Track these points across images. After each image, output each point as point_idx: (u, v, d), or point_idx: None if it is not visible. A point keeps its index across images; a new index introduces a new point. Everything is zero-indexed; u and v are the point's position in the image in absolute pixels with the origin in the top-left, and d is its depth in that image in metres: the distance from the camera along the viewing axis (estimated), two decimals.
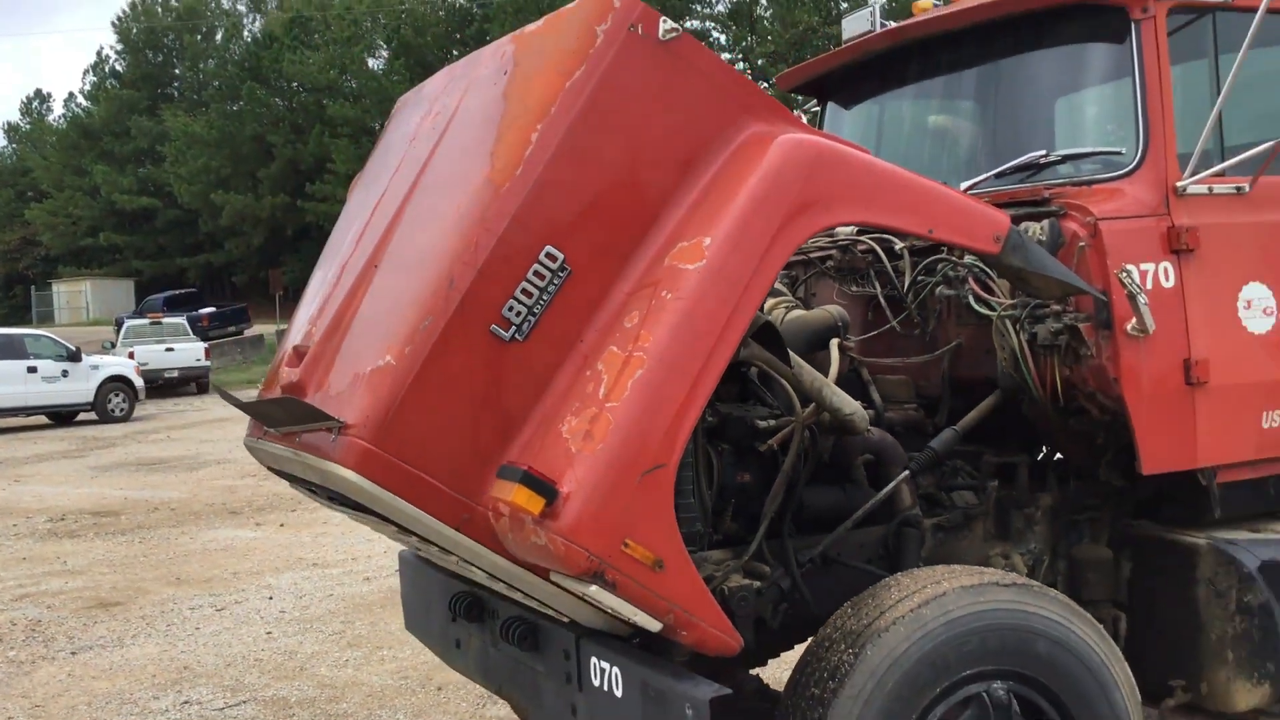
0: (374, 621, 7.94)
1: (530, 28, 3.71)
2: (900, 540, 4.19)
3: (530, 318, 3.26)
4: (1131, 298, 3.85)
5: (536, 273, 3.26)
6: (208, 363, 32.31)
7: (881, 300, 4.58)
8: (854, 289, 4.78)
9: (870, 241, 4.59)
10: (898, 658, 3.38)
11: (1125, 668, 3.73)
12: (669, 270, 3.26)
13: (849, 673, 3.37)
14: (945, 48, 4.76)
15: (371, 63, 51.30)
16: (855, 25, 5.19)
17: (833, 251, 4.79)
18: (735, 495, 4.01)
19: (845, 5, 42.36)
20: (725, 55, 50.51)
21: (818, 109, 5.61)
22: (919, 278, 4.41)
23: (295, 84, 53.38)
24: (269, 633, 7.84)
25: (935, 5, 4.98)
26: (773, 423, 4.05)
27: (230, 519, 12.56)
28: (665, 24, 3.36)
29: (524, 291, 3.25)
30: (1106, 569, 4.45)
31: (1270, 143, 4.02)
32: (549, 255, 3.26)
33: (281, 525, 11.94)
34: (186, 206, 56.46)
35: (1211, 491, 4.17)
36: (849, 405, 4.04)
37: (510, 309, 3.24)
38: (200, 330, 37.30)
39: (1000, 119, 4.70)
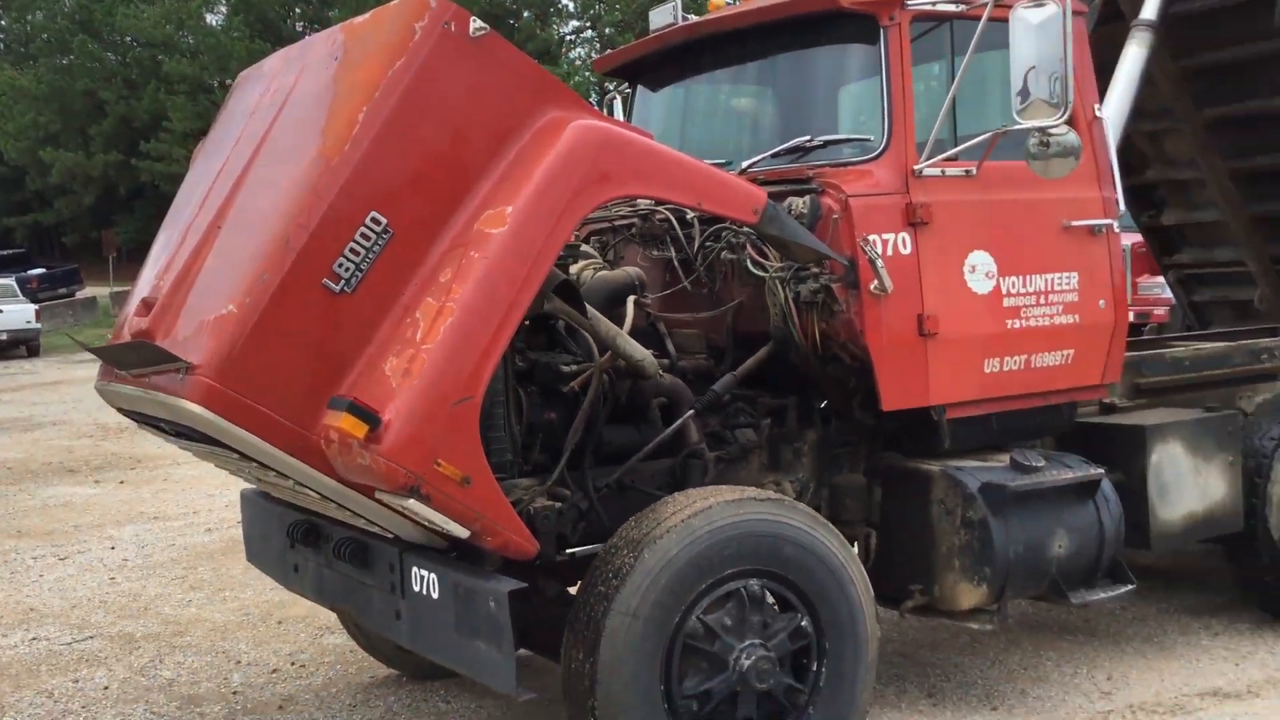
0: (216, 567, 8.33)
1: (358, 20, 4.23)
2: (686, 470, 4.86)
3: (358, 273, 3.81)
4: (871, 262, 4.60)
5: (363, 234, 3.80)
6: (38, 325, 31.38)
7: (675, 263, 5.24)
8: (654, 253, 5.43)
9: (666, 212, 5.24)
10: (670, 559, 4.06)
11: (860, 568, 4.50)
12: (477, 234, 3.85)
13: (629, 572, 4.03)
14: (732, 43, 5.43)
15: (210, 19, 49.90)
16: (661, 18, 5.83)
17: (635, 220, 5.42)
18: (543, 431, 4.63)
19: None
20: (574, 22, 50.79)
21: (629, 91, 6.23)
22: (707, 244, 5.08)
23: (129, 39, 51.60)
24: (113, 578, 8.17)
25: (727, 4, 5.64)
26: (575, 368, 4.68)
27: (69, 477, 12.65)
28: (475, 23, 3.93)
29: (352, 250, 3.79)
30: (861, 494, 5.24)
31: (989, 133, 4.79)
32: (374, 220, 3.81)
33: (121, 482, 12.10)
34: (12, 163, 54.12)
35: (942, 426, 4.97)
36: (640, 353, 4.69)
37: (340, 265, 3.78)
38: (29, 292, 36.07)
39: (777, 107, 5.42)
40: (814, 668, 4.36)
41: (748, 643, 4.18)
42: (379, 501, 3.88)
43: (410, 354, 3.70)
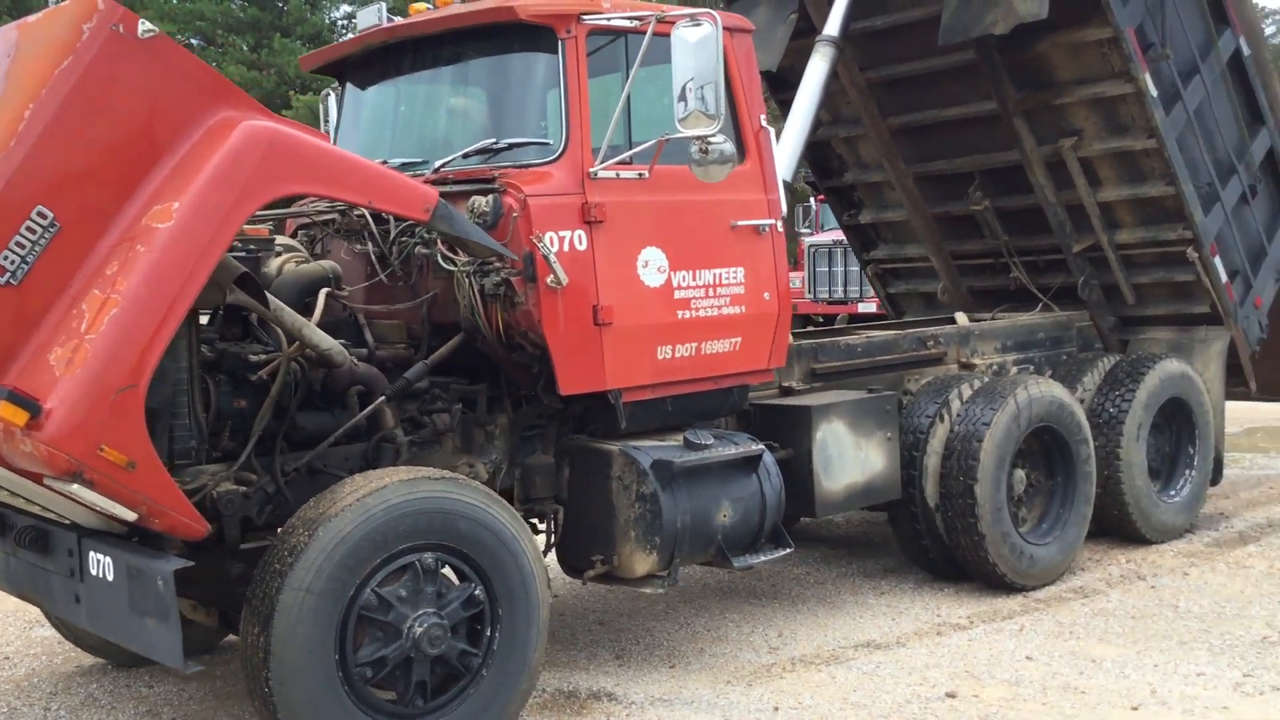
0: None
1: (32, 18, 4.31)
2: (378, 453, 5.12)
3: (23, 266, 3.90)
4: (545, 258, 4.97)
5: (29, 228, 3.90)
6: None
7: (373, 257, 5.48)
8: (357, 247, 5.65)
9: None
10: (345, 536, 4.32)
11: (532, 540, 4.87)
12: (145, 229, 4.00)
13: (304, 550, 4.27)
14: (426, 47, 5.71)
15: None
16: (367, 18, 6.04)
17: (335, 215, 5.63)
18: (232, 418, 4.80)
19: None
20: (345, 7, 49.63)
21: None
22: (402, 239, 5.34)
23: None
24: None
25: (428, 8, 5.89)
26: (264, 357, 4.87)
27: None
28: (143, 25, 4.08)
29: (17, 244, 3.89)
30: (549, 473, 5.62)
31: (655, 140, 5.24)
32: (40, 214, 3.91)
33: None
34: None
35: (618, 408, 5.39)
36: (327, 342, 4.92)
37: (5, 258, 3.87)
38: None
39: (468, 110, 5.73)
40: (488, 633, 4.70)
41: (421, 612, 4.48)
42: (49, 488, 3.98)
43: (74, 344, 3.83)
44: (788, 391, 6.70)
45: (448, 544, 4.58)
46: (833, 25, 7.67)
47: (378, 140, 6.03)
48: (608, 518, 5.43)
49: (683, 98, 4.99)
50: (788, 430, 6.28)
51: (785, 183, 7.30)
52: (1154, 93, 7.48)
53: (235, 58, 37.75)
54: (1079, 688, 5.33)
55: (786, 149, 7.41)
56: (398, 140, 5.98)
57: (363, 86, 6.19)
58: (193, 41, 40.75)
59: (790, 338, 6.89)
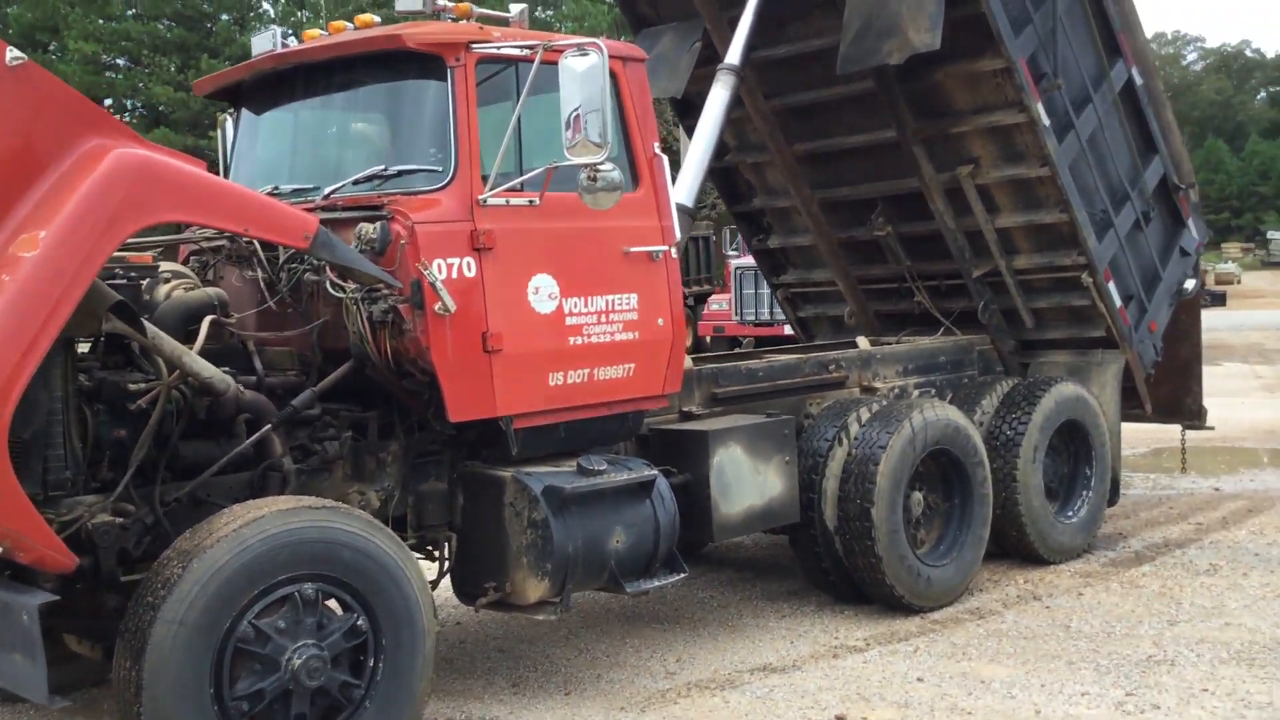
0: None
1: None
2: (264, 482, 5.07)
3: None
4: (432, 285, 4.97)
5: None
6: None
7: (262, 284, 5.43)
8: (247, 274, 5.60)
9: None
10: (219, 568, 4.26)
11: (418, 568, 4.84)
12: (10, 258, 3.94)
13: (177, 582, 4.21)
14: (318, 74, 5.69)
15: None
16: (262, 44, 6.01)
17: (224, 242, 5.58)
18: (111, 448, 4.72)
19: None
20: (274, 28, 49.30)
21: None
22: (291, 265, 5.31)
23: None
24: None
25: (322, 35, 5.88)
26: (143, 386, 4.80)
27: None
28: (11, 53, 4.02)
29: None
30: (443, 500, 5.60)
31: (543, 168, 5.27)
32: None
33: None
34: None
35: (510, 435, 5.39)
36: (207, 370, 4.86)
37: None
38: None
39: (360, 136, 5.72)
40: (371, 663, 4.66)
41: (300, 643, 4.43)
42: None
43: None
44: (688, 416, 6.73)
45: (329, 574, 4.54)
46: (733, 54, 7.76)
47: (272, 166, 5.99)
48: (500, 544, 5.42)
49: (571, 126, 5.03)
50: (685, 455, 6.31)
51: (687, 209, 7.39)
52: (1046, 122, 7.66)
53: (162, 78, 37.29)
54: (966, 709, 5.40)
55: (688, 175, 7.48)
56: (291, 166, 5.95)
57: (258, 112, 6.15)
58: (119, 61, 40.24)
59: (690, 362, 6.98)
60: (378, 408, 5.50)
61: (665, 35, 8.69)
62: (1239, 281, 57.91)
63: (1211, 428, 9.52)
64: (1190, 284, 8.87)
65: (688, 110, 8.91)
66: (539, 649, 6.53)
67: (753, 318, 22.44)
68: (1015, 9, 7.53)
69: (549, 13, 49.71)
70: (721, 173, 9.61)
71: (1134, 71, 8.47)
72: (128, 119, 39.68)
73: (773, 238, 9.76)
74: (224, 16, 45.47)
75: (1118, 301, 8.25)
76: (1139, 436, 12.43)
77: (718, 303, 25.28)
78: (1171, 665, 5.83)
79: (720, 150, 9.38)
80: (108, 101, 39.94)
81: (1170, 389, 9.18)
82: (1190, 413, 9.26)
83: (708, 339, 24.72)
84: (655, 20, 8.91)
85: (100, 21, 37.89)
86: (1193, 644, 6.13)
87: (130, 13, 38.90)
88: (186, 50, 38.38)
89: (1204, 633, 6.32)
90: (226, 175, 6.16)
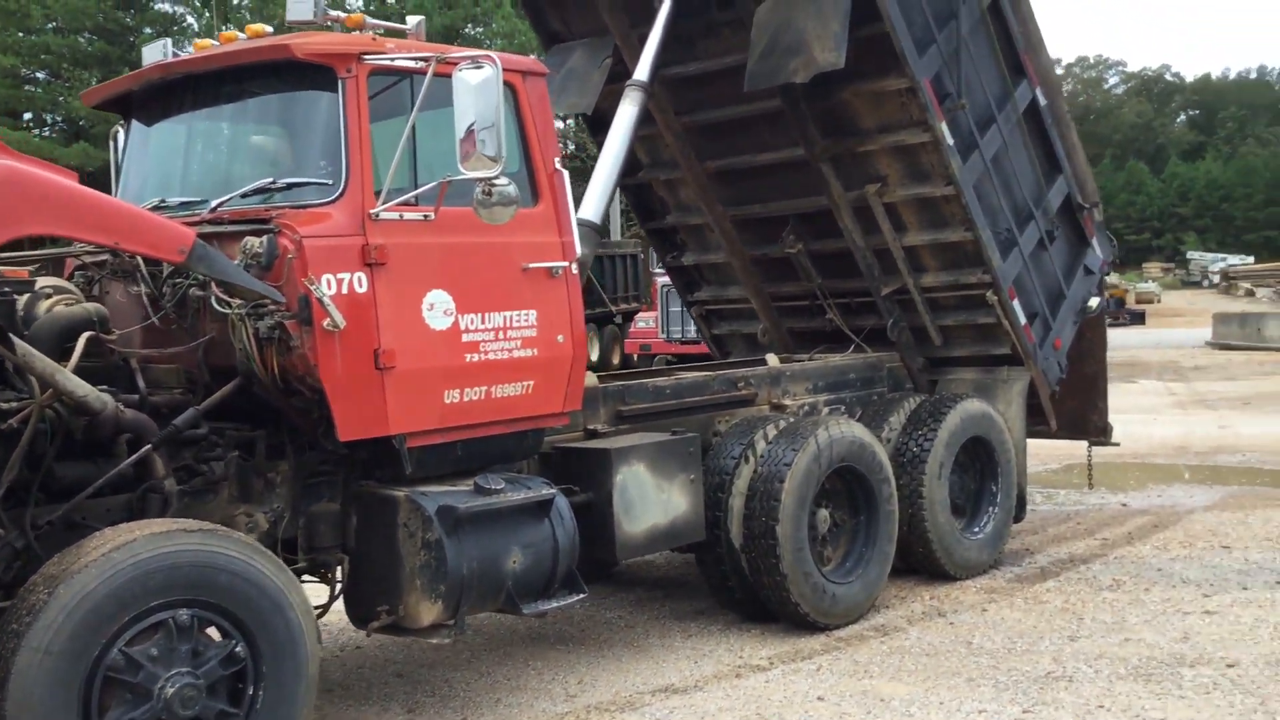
0: None
1: None
2: (144, 504, 4.90)
3: None
4: (320, 301, 4.85)
5: None
6: None
7: (145, 299, 5.27)
8: (132, 289, 5.43)
9: None
10: (88, 593, 4.10)
11: (301, 593, 4.71)
12: None
13: (43, 608, 4.05)
14: (207, 85, 5.55)
15: None
16: (152, 54, 5.86)
17: (107, 256, 5.41)
18: None
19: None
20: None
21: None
22: (175, 280, 5.16)
23: None
24: None
25: (214, 45, 5.74)
26: (14, 405, 4.62)
27: None
28: None
29: None
30: (335, 521, 5.47)
31: (436, 182, 5.18)
32: None
33: None
34: None
35: (403, 453, 5.27)
36: (82, 389, 4.69)
37: None
38: None
39: (249, 148, 5.59)
40: (251, 691, 4.51)
41: (174, 671, 4.28)
42: None
43: None
44: (593, 434, 6.67)
45: (205, 599, 4.39)
46: (642, 70, 7.74)
47: (161, 178, 5.84)
48: (394, 566, 5.30)
49: (465, 140, 4.95)
50: (588, 474, 6.24)
51: (595, 225, 7.34)
52: (950, 141, 7.73)
53: (82, 92, 36.59)
54: None
55: (595, 192, 7.42)
56: (180, 178, 5.80)
57: (147, 123, 5.99)
58: (38, 75, 39.42)
59: (595, 379, 6.92)
60: (267, 426, 5.36)
61: (576, 51, 8.66)
62: (1159, 300, 59.27)
63: (1117, 444, 9.65)
64: (1094, 302, 9.00)
65: (599, 126, 8.84)
66: (439, 673, 6.40)
67: (679, 335, 22.48)
68: (919, 29, 7.59)
69: (479, 30, 49.64)
70: (635, 189, 9.60)
71: (1038, 92, 8.59)
72: (47, 133, 38.88)
73: (686, 255, 9.74)
74: (147, 30, 44.80)
75: (1022, 319, 8.34)
76: (1050, 452, 12.59)
77: (645, 320, 25.32)
78: (1070, 682, 5.86)
79: (633, 167, 9.40)
80: (27, 115, 39.12)
81: (1076, 405, 9.29)
82: (1096, 429, 9.38)
83: (635, 356, 24.77)
84: (567, 36, 8.87)
85: (20, 34, 37.07)
86: (1092, 660, 6.17)
87: (50, 25, 38.13)
88: (108, 64, 37.65)
89: (1104, 648, 6.36)
90: (117, 187, 6.00)
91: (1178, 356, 28.46)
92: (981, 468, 8.27)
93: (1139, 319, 47.88)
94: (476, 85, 4.95)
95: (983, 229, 7.98)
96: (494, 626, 7.13)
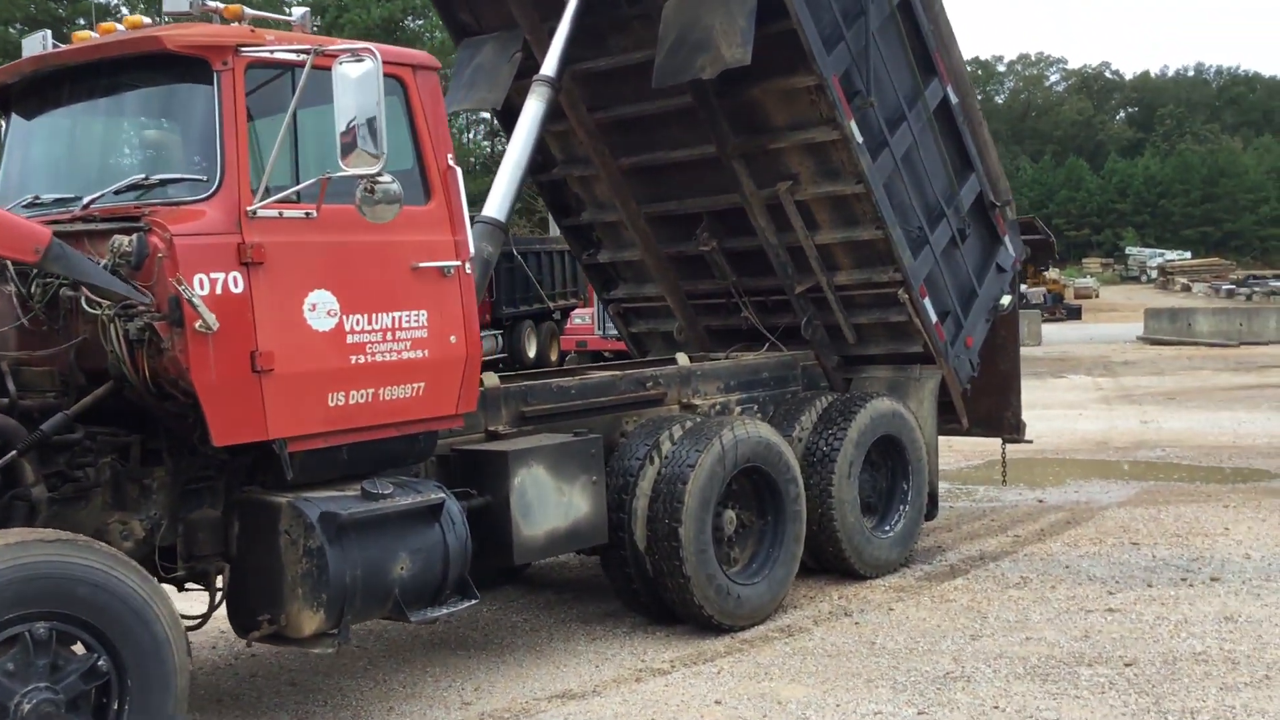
0: None
1: None
2: (9, 513, 4.73)
3: None
4: (189, 301, 4.69)
5: None
6: None
7: (14, 299, 5.08)
8: (4, 288, 5.23)
9: None
10: None
11: (168, 603, 4.56)
12: None
13: None
14: (87, 76, 5.36)
15: None
16: (31, 46, 5.66)
17: None
18: None
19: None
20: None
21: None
22: (45, 279, 4.97)
23: None
24: None
25: (93, 37, 5.55)
26: None
27: None
28: None
29: None
30: (216, 528, 5.31)
31: (315, 179, 5.04)
32: None
33: None
34: None
35: (284, 458, 5.13)
36: None
37: None
38: None
39: (123, 143, 5.41)
40: (115, 706, 4.37)
41: (31, 687, 4.13)
42: None
43: None
44: (494, 436, 6.56)
45: (65, 612, 4.24)
46: (549, 65, 7.62)
47: (38, 173, 5.64)
48: (275, 574, 5.15)
49: (345, 135, 4.82)
50: (486, 476, 6.13)
51: (498, 223, 7.22)
52: (859, 139, 7.70)
53: None
54: None
55: (499, 189, 7.30)
56: (56, 174, 5.60)
57: (26, 117, 5.79)
58: None
59: (496, 380, 6.81)
60: (144, 431, 5.19)
61: (487, 45, 8.53)
62: (1097, 295, 60.12)
63: (1030, 441, 9.69)
64: (1006, 300, 9.02)
65: (510, 121, 8.71)
66: (334, 680, 6.26)
67: (616, 332, 22.34)
68: (827, 26, 7.55)
69: (420, 22, 49.14)
70: (550, 186, 9.48)
71: (949, 90, 8.58)
72: None
73: (603, 252, 9.64)
74: (80, 21, 43.91)
75: (933, 317, 8.33)
76: (972, 449, 12.67)
77: (581, 316, 25.19)
78: (968, 682, 5.84)
79: (547, 163, 9.31)
80: None
81: (990, 403, 9.31)
82: (1010, 426, 9.41)
83: (572, 353, 24.63)
84: (477, 30, 8.73)
85: None
86: (991, 659, 6.16)
87: None
88: None
89: (1004, 647, 6.36)
90: None
91: (1109, 351, 28.85)
92: (893, 466, 8.25)
93: (1075, 314, 48.52)
94: (356, 79, 4.81)
95: (893, 227, 7.96)
96: (395, 631, 7.00)
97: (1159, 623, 6.67)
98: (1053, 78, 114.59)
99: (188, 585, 5.52)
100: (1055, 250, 58.02)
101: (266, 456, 5.23)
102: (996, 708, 5.49)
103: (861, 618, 7.05)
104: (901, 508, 8.22)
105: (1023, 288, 48.71)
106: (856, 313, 8.60)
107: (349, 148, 4.83)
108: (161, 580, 5.28)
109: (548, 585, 8.16)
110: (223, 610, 5.41)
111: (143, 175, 5.08)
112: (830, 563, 7.81)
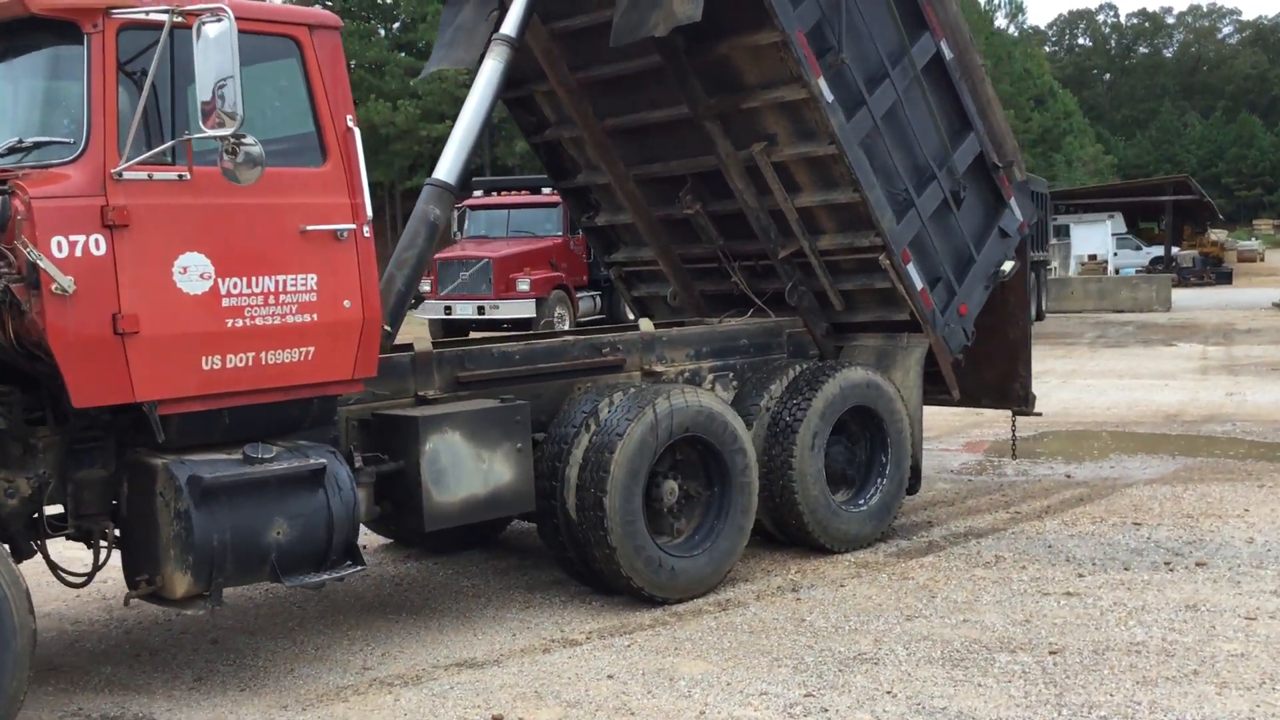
0: None
1: None
2: None
3: None
4: (36, 264, 4.74)
5: None
6: None
7: None
8: None
9: None
10: None
11: (9, 564, 4.65)
12: None
13: None
14: None
15: None
16: None
17: None
18: None
19: None
20: None
21: None
22: None
23: None
24: None
25: None
26: None
27: None
28: None
29: None
30: (102, 488, 5.40)
31: (175, 140, 5.03)
32: None
33: None
34: None
35: (154, 420, 5.16)
36: None
37: None
38: None
39: (2, 107, 5.47)
40: None
41: None
42: None
43: None
44: (423, 401, 6.50)
45: None
46: (509, 24, 7.47)
47: None
48: (153, 535, 5.21)
49: (210, 97, 4.80)
50: (398, 442, 6.09)
51: (448, 185, 7.13)
52: (829, 98, 7.35)
53: None
54: (632, 709, 5.16)
55: (450, 152, 7.21)
56: None
57: None
58: None
59: (429, 345, 6.76)
60: (27, 390, 5.29)
61: (467, 5, 8.41)
62: (1262, 259, 57.15)
63: (1039, 414, 9.18)
64: (1008, 265, 8.52)
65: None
66: (258, 640, 6.33)
67: None
68: None
69: None
70: (546, 147, 9.34)
71: (943, 45, 8.11)
72: None
73: (600, 215, 9.48)
74: None
75: (919, 284, 7.94)
76: (1024, 421, 12.07)
77: None
78: (874, 664, 5.57)
79: (540, 124, 9.17)
80: None
81: (998, 374, 8.86)
82: (1018, 398, 8.92)
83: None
84: None
85: None
86: (913, 642, 5.86)
87: None
88: None
89: (935, 629, 6.04)
90: None
91: (1238, 318, 27.31)
92: (871, 438, 7.91)
93: (1226, 278, 46.17)
94: (214, 39, 4.78)
95: (869, 190, 7.59)
96: (338, 593, 7.03)
97: (1113, 609, 6.25)
98: (1225, 30, 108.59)
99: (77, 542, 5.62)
100: (1216, 211, 55.00)
101: (146, 419, 5.27)
102: (889, 693, 5.22)
103: (807, 594, 6.79)
104: (879, 481, 7.87)
105: (1174, 250, 46.72)
106: (842, 278, 8.26)
107: (209, 109, 4.81)
108: (48, 537, 5.42)
109: (515, 551, 8.10)
110: None
111: (17, 139, 5.14)
112: (794, 536, 7.55)
